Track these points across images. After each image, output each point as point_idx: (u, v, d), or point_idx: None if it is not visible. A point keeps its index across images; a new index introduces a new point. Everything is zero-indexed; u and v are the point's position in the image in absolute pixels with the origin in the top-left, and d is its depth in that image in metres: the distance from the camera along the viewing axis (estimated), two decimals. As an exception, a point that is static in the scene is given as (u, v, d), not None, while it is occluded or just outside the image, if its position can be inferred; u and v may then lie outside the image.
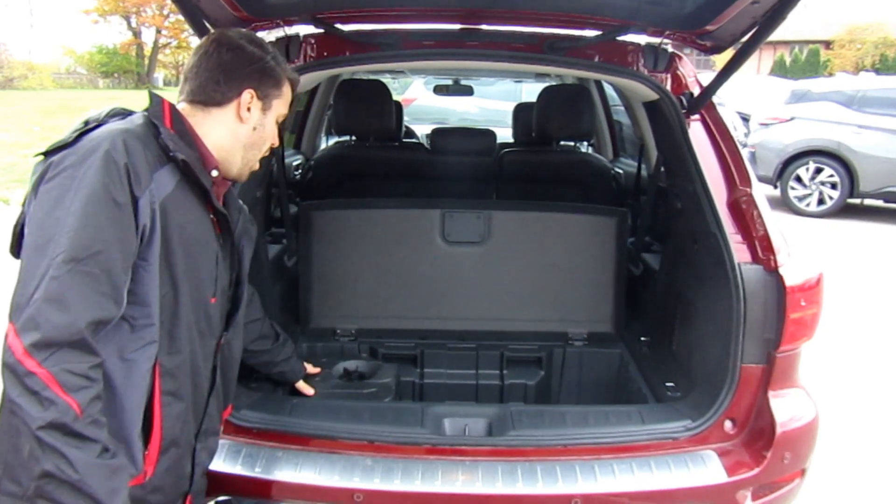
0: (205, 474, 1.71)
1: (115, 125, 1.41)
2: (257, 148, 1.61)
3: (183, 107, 1.55)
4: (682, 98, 2.39)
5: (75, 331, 1.24)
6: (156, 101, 1.49)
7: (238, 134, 1.56)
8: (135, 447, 1.40)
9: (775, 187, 9.89)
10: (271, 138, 1.63)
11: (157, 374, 1.42)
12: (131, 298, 1.36)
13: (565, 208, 3.00)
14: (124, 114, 1.50)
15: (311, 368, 2.45)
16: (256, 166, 1.64)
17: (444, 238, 2.90)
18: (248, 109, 1.55)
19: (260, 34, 2.51)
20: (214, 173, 1.54)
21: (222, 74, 1.52)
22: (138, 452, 1.40)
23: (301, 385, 2.38)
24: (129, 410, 1.38)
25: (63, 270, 1.24)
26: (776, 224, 2.14)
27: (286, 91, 1.63)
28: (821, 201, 9.85)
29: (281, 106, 1.62)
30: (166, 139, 1.41)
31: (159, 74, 42.88)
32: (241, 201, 1.79)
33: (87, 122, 1.44)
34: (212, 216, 1.55)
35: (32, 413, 1.21)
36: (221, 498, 2.00)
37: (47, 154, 1.37)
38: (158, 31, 40.61)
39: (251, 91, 1.54)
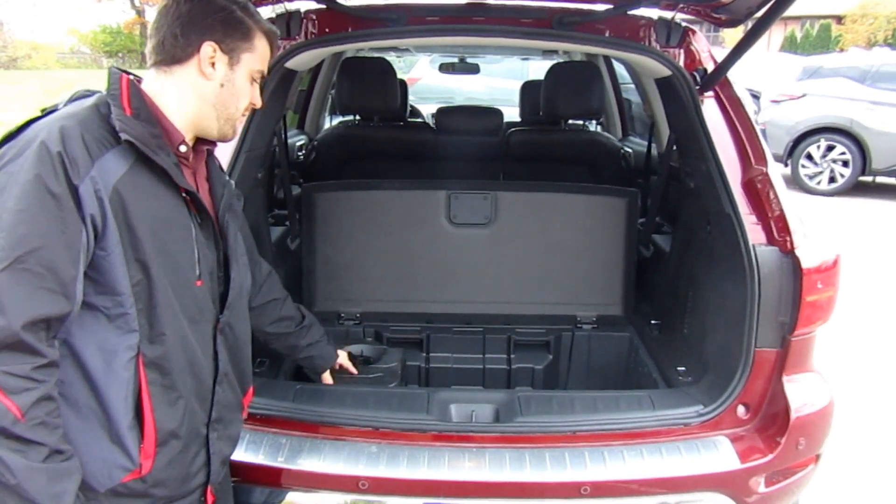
0: (226, 462, 1.66)
1: (61, 112, 1.35)
2: (230, 107, 1.48)
3: (149, 74, 1.45)
4: (696, 74, 2.33)
5: (10, 334, 1.19)
6: (114, 78, 1.40)
7: (204, 93, 1.45)
8: (126, 441, 1.36)
9: (786, 165, 9.79)
10: (247, 97, 1.50)
11: (140, 364, 1.36)
12: (99, 289, 1.32)
13: (574, 189, 2.94)
14: (85, 96, 1.42)
15: (346, 363, 2.34)
16: (238, 125, 1.54)
17: (450, 220, 2.85)
18: (213, 65, 1.43)
19: (261, 10, 2.46)
20: (183, 148, 1.44)
21: (180, 27, 1.41)
22: (132, 446, 1.37)
23: (324, 375, 2.28)
24: (114, 403, 1.34)
25: None
26: (792, 204, 2.08)
27: (259, 45, 1.49)
28: (832, 179, 9.74)
29: (254, 61, 1.49)
30: (114, 119, 1.33)
31: (163, 54, 42.70)
32: (226, 175, 1.69)
33: (43, 110, 1.38)
34: (184, 195, 1.44)
35: None
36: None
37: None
38: (162, 10, 40.37)
39: (212, 44, 1.42)
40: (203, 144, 1.54)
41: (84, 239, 1.27)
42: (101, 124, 1.33)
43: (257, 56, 1.49)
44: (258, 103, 1.55)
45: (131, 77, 1.42)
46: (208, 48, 1.42)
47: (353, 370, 2.34)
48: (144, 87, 1.43)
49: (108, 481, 1.36)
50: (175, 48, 1.42)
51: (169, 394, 1.42)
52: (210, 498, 1.58)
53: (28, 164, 1.23)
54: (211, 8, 1.43)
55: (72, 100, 1.42)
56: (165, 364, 1.41)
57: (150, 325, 1.38)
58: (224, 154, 2.18)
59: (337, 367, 2.30)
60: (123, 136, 1.31)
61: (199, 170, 1.56)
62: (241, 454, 1.94)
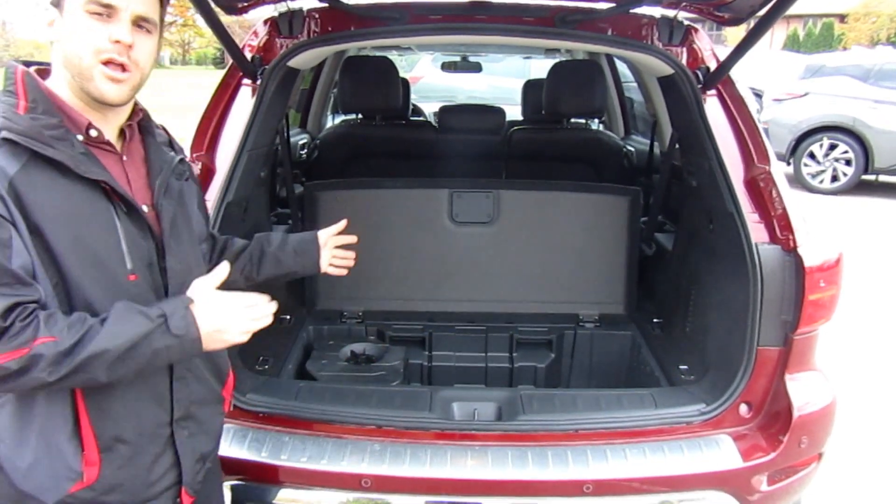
0: (203, 459, 1.56)
1: None
2: (75, 56, 1.29)
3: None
4: (698, 73, 2.32)
5: None
6: (10, 73, 1.31)
7: (58, 58, 1.31)
8: (67, 452, 1.33)
9: (788, 164, 9.76)
10: (91, 36, 1.28)
11: None
12: None
13: (576, 187, 2.94)
14: None
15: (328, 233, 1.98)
16: (98, 74, 1.29)
17: (453, 218, 2.85)
18: (53, 26, 1.31)
19: (262, 9, 2.47)
20: (93, 133, 1.33)
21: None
22: (72, 456, 1.34)
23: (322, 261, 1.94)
24: (50, 415, 1.32)
25: None
26: (795, 202, 2.08)
27: None
28: (834, 178, 9.72)
29: None
30: (0, 117, 1.25)
31: (165, 52, 42.69)
32: (171, 151, 1.54)
33: None
34: (103, 185, 1.32)
35: (37, 377, 1.22)
36: (235, 482, 1.98)
37: None
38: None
39: (49, 7, 1.31)
40: (129, 120, 1.42)
41: (14, 233, 1.22)
42: None
43: None
44: (120, 36, 1.29)
45: (28, 70, 1.32)
46: (47, 13, 1.31)
47: (342, 238, 2.00)
48: (51, 76, 1.34)
49: (56, 493, 1.34)
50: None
51: (106, 399, 1.35)
52: (187, 499, 1.51)
53: None
54: None
55: None
56: None
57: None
58: (227, 153, 2.19)
59: (324, 242, 1.96)
60: (3, 133, 1.24)
61: (133, 152, 1.44)
62: (244, 452, 1.95)
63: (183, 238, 1.49)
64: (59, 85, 1.33)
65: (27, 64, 1.35)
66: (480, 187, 2.87)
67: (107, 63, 1.29)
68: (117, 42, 1.29)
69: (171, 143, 1.57)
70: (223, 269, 1.44)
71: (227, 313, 1.37)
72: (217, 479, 1.75)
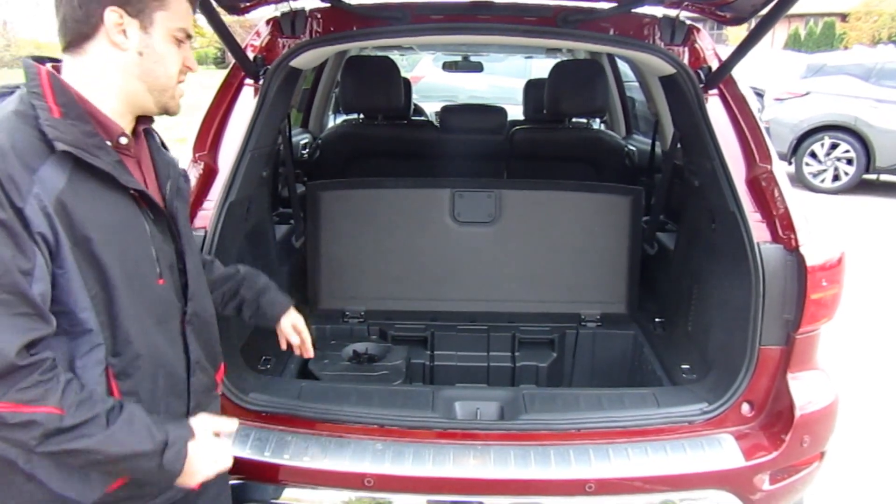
0: None
1: None
2: (159, 76, 1.34)
3: (65, 61, 1.32)
4: (700, 72, 2.33)
5: (8, 363, 1.16)
6: (31, 73, 1.26)
7: (125, 66, 1.30)
8: None
9: (790, 163, 9.76)
10: (175, 61, 1.35)
11: (110, 376, 1.32)
12: (58, 308, 1.25)
13: (578, 187, 2.94)
14: (3, 94, 1.30)
15: (298, 319, 1.93)
16: (178, 95, 1.39)
17: (455, 218, 2.85)
18: (123, 33, 1.28)
19: (264, 9, 2.47)
20: (123, 140, 1.33)
21: (78, 1, 1.25)
22: None
23: (282, 325, 1.92)
24: None
25: None
26: (797, 202, 2.08)
27: (172, 0, 1.32)
28: (836, 177, 9.71)
29: (170, 20, 1.32)
30: (44, 125, 1.21)
31: (167, 53, 42.60)
32: (169, 154, 1.54)
33: None
34: (132, 191, 1.33)
35: (24, 439, 1.21)
36: (234, 481, 1.99)
37: None
38: (165, 9, 40.37)
39: (115, 9, 1.25)
40: (140, 124, 1.42)
41: (39, 259, 1.20)
42: (29, 131, 1.22)
43: (173, 13, 1.33)
44: (193, 66, 1.41)
45: (50, 69, 1.28)
46: (112, 14, 1.26)
47: (302, 332, 1.93)
48: (66, 76, 1.30)
49: (94, 493, 1.35)
50: (78, 24, 1.27)
51: (146, 401, 1.38)
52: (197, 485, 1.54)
53: None
54: None
55: None
56: (136, 371, 1.36)
57: (115, 336, 1.32)
58: (229, 153, 2.19)
59: (289, 323, 1.91)
60: (59, 146, 1.21)
61: (143, 156, 1.44)
62: (247, 452, 1.95)
63: (192, 239, 1.54)
64: (95, 89, 1.30)
65: (40, 60, 1.31)
66: (482, 187, 2.87)
67: (180, 83, 1.39)
68: (190, 69, 1.40)
69: (164, 145, 1.57)
70: (232, 424, 1.49)
71: (210, 460, 1.40)
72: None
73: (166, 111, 1.39)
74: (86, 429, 1.23)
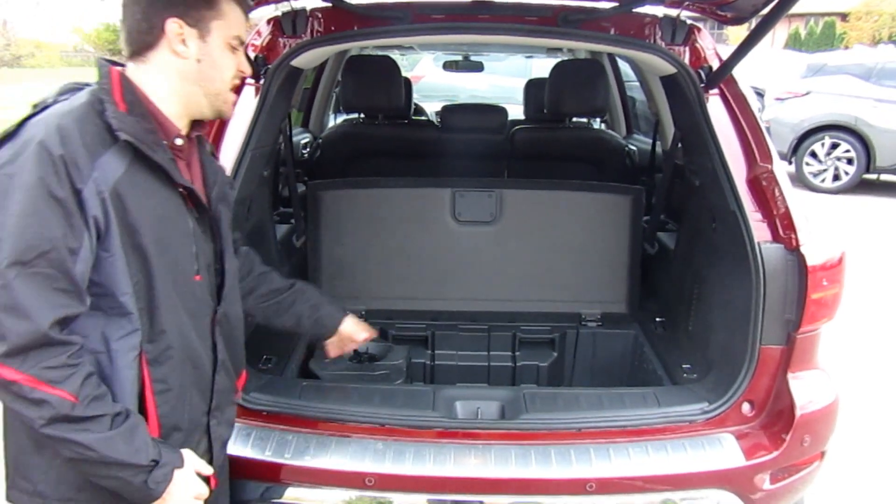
0: (225, 445, 1.69)
1: (56, 108, 1.32)
2: (215, 81, 1.44)
3: (129, 67, 1.42)
4: (701, 72, 2.32)
5: (41, 335, 1.23)
6: (104, 72, 1.37)
7: (184, 72, 1.41)
8: None
9: (790, 163, 9.77)
10: (230, 67, 1.45)
11: (143, 362, 1.37)
12: (100, 290, 1.31)
13: (579, 186, 2.94)
14: (75, 90, 1.39)
15: (354, 326, 2.08)
16: (231, 99, 1.50)
17: (455, 217, 2.85)
18: (183, 42, 1.39)
19: (265, 8, 2.47)
20: (179, 142, 1.43)
21: (141, 12, 1.38)
22: None
23: (334, 341, 2.09)
24: (119, 400, 1.35)
25: (10, 277, 1.21)
26: (798, 201, 2.08)
27: (227, 10, 1.43)
28: (836, 177, 9.72)
29: (226, 28, 1.42)
30: (110, 117, 1.30)
31: (167, 52, 42.54)
32: (217, 160, 1.66)
33: (35, 106, 1.36)
34: (181, 189, 1.43)
35: (32, 415, 1.25)
36: (234, 481, 1.99)
37: None
38: (165, 9, 40.31)
39: (176, 20, 1.37)
40: (193, 130, 1.51)
41: (87, 241, 1.27)
42: (96, 122, 1.30)
43: (228, 22, 1.43)
44: (247, 70, 1.51)
45: (122, 70, 1.40)
46: (173, 25, 1.37)
47: (362, 333, 2.11)
48: (132, 78, 1.40)
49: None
50: (141, 34, 1.38)
51: (172, 389, 1.43)
52: (214, 483, 1.58)
53: (29, 167, 1.22)
54: None
55: (61, 93, 1.39)
56: (167, 360, 1.42)
57: (151, 323, 1.38)
58: (230, 152, 2.19)
59: (345, 333, 2.06)
60: (122, 135, 1.29)
61: (193, 160, 1.52)
62: (248, 451, 1.95)
63: (230, 243, 1.63)
64: (157, 93, 1.40)
65: (111, 63, 1.41)
66: (483, 186, 2.87)
67: (233, 88, 1.49)
68: (243, 73, 1.50)
69: (214, 154, 1.67)
70: (208, 470, 1.50)
71: (191, 492, 1.43)
72: (227, 465, 1.81)
73: (220, 115, 1.50)
74: (91, 424, 1.27)
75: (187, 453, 1.44)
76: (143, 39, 1.39)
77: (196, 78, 1.42)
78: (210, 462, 1.58)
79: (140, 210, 1.33)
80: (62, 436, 1.26)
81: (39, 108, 1.34)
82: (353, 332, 2.08)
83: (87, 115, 1.30)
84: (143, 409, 1.39)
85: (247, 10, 1.50)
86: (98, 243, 1.29)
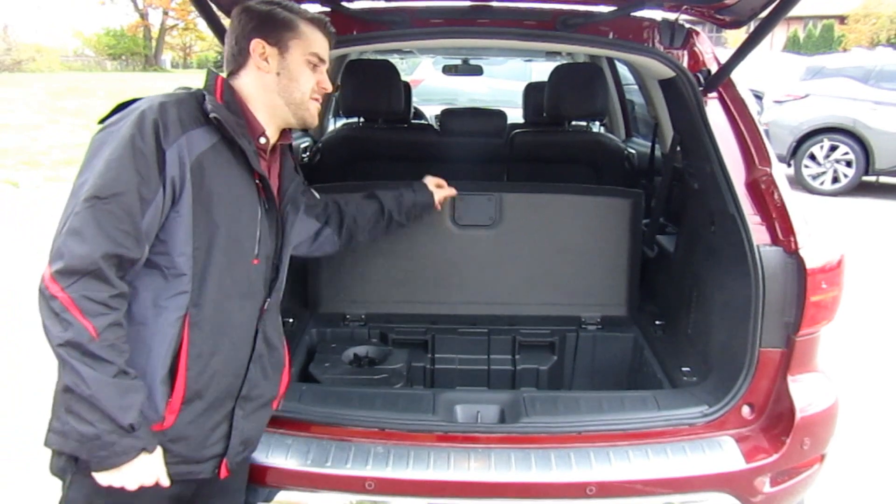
0: (246, 445, 1.71)
1: (163, 94, 1.52)
2: (294, 91, 1.64)
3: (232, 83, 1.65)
4: (700, 75, 2.33)
5: (91, 261, 1.35)
6: (211, 77, 1.61)
7: (267, 84, 1.63)
8: (157, 393, 1.48)
9: (789, 166, 9.78)
10: (308, 80, 1.66)
11: (186, 324, 1.49)
12: (163, 248, 1.46)
13: (579, 190, 2.94)
14: (183, 89, 1.61)
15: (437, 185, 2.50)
16: (313, 109, 1.69)
17: (455, 221, 2.85)
18: (266, 59, 1.61)
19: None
20: (262, 140, 1.63)
21: (235, 39, 1.63)
22: (160, 400, 1.49)
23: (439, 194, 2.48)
24: (155, 355, 1.47)
25: (84, 207, 1.36)
26: (797, 204, 2.08)
27: (305, 30, 1.65)
28: (835, 179, 9.73)
29: (303, 46, 1.64)
30: (207, 103, 1.51)
31: (167, 56, 42.76)
32: (300, 174, 1.87)
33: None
34: (257, 181, 1.61)
35: (54, 332, 1.36)
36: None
37: (106, 119, 1.49)
38: (165, 13, 40.46)
39: (259, 41, 1.60)
40: (281, 140, 1.71)
41: (161, 197, 1.42)
42: (195, 107, 1.52)
43: (306, 41, 1.64)
44: (328, 86, 1.70)
45: (227, 79, 1.63)
46: (257, 45, 1.60)
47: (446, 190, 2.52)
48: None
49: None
50: (234, 56, 1.63)
51: (205, 356, 1.53)
52: (224, 472, 1.64)
53: (126, 126, 1.42)
54: (255, 13, 1.63)
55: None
56: (208, 328, 1.52)
57: (201, 290, 1.50)
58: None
59: (439, 195, 2.47)
60: (213, 114, 1.49)
61: (274, 166, 1.73)
62: (247, 455, 1.95)
63: (290, 244, 1.79)
64: (250, 99, 1.63)
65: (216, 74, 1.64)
66: (483, 190, 2.88)
67: (314, 100, 1.70)
68: (325, 89, 1.70)
69: (296, 167, 1.87)
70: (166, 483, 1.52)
71: (146, 474, 1.47)
72: (247, 467, 1.86)
73: (303, 123, 1.70)
74: (98, 364, 1.36)
75: (159, 455, 1.49)
76: (235, 60, 1.64)
77: (277, 89, 1.63)
78: (223, 453, 1.62)
79: (217, 183, 1.50)
80: (70, 361, 1.35)
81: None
82: (438, 192, 2.46)
83: (188, 101, 1.52)
84: (174, 368, 1.48)
85: (327, 32, 1.69)
86: (172, 204, 1.44)
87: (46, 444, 1.46)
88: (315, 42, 1.66)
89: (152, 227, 1.43)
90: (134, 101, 1.51)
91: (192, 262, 1.48)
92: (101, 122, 1.50)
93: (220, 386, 1.58)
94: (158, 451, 1.49)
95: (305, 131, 4.47)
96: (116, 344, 1.39)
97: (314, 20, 1.67)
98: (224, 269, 1.53)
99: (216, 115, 1.49)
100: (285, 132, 1.74)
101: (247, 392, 1.65)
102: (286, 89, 1.64)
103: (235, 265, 1.56)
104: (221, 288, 1.53)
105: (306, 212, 2.07)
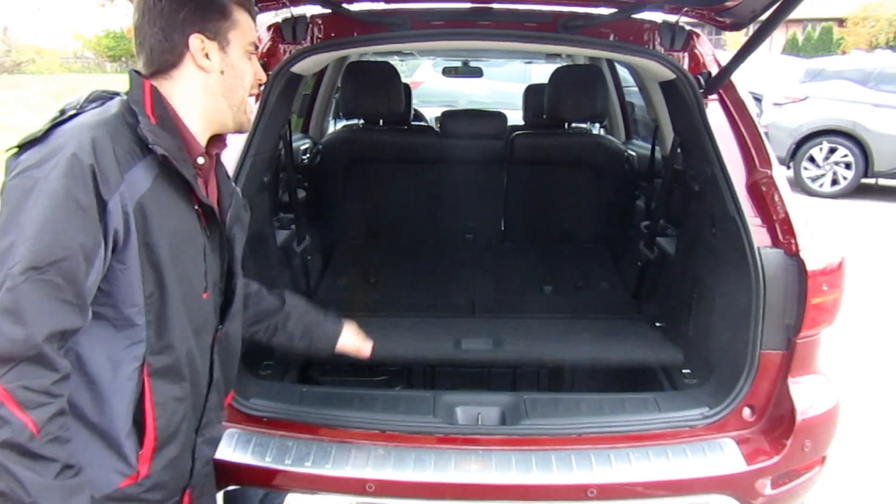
0: (208, 463, 1.65)
1: (88, 118, 1.30)
2: (238, 90, 1.45)
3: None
4: (700, 77, 2.33)
5: (32, 345, 1.17)
6: (136, 83, 1.36)
7: (210, 86, 1.41)
8: (125, 447, 1.36)
9: (788, 168, 9.77)
10: (250, 74, 1.47)
11: (146, 373, 1.35)
12: (109, 301, 1.30)
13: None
14: (104, 99, 1.39)
15: (352, 340, 2.00)
16: (250, 108, 1.51)
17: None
18: (206, 56, 1.39)
19: (266, 15, 2.48)
20: (201, 160, 1.42)
21: (161, 32, 1.36)
22: (130, 452, 1.37)
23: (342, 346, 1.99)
24: (117, 411, 1.33)
25: (19, 281, 1.16)
26: (797, 206, 2.08)
27: (239, 18, 1.43)
28: (834, 182, 9.72)
29: (241, 36, 1.43)
30: (144, 130, 1.30)
31: (166, 58, 42.48)
32: (233, 183, 1.66)
33: (62, 112, 1.34)
34: (196, 207, 1.43)
35: None
36: (230, 487, 1.98)
37: (21, 147, 1.28)
38: (165, 15, 40.30)
39: (197, 35, 1.37)
40: (213, 147, 1.50)
41: (102, 252, 1.25)
42: (129, 135, 1.30)
43: (242, 30, 1.44)
44: (262, 76, 1.52)
45: (153, 83, 1.38)
46: (196, 41, 1.37)
47: (362, 349, 2.02)
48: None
49: (104, 487, 1.35)
50: (164, 54, 1.37)
51: (171, 402, 1.42)
52: (185, 500, 1.55)
53: (57, 174, 1.20)
54: (181, 1, 1.37)
55: (90, 101, 1.38)
56: (170, 374, 1.40)
57: (158, 336, 1.36)
58: (231, 158, 2.19)
59: (345, 345, 1.99)
60: (158, 150, 1.30)
61: (210, 179, 1.52)
62: (247, 457, 1.95)
63: (240, 264, 1.62)
64: (182, 109, 1.40)
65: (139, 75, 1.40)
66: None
67: (252, 95, 1.50)
68: (261, 80, 1.51)
69: (228, 176, 1.65)
70: None
71: None
72: (212, 484, 1.78)
73: (240, 126, 1.50)
74: (38, 465, 1.20)
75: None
76: (166, 59, 1.38)
77: (221, 90, 1.43)
78: (188, 483, 1.53)
79: (160, 225, 1.32)
80: (7, 465, 1.17)
81: (68, 116, 1.32)
82: (353, 350, 2.00)
83: (119, 128, 1.30)
84: (141, 421, 1.37)
85: (255, 15, 1.50)
86: (114, 255, 1.28)
87: None
88: (251, 29, 1.46)
89: (95, 286, 1.26)
90: (50, 130, 1.28)
91: (144, 311, 1.32)
92: (15, 156, 1.27)
93: (188, 424, 1.48)
94: None
95: (306, 133, 4.47)
96: (60, 435, 1.21)
97: (243, 3, 1.45)
98: (179, 311, 1.39)
99: (163, 153, 1.30)
100: (217, 138, 1.51)
101: (206, 420, 1.55)
102: (231, 89, 1.43)
103: (188, 304, 1.42)
104: (178, 330, 1.39)
105: None
